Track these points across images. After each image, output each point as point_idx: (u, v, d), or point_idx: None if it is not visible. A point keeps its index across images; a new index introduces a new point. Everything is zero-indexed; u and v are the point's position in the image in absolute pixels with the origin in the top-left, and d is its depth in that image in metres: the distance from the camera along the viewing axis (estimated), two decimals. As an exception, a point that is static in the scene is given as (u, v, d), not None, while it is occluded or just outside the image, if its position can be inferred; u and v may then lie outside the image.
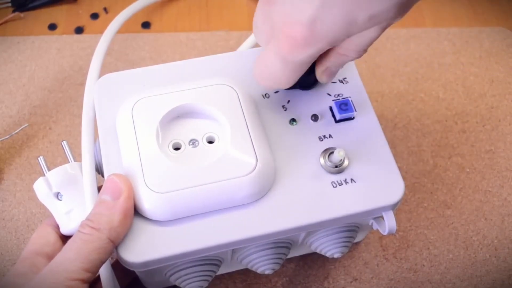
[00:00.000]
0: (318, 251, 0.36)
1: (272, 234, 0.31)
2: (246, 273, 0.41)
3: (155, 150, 0.31)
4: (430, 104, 0.50)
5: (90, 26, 0.55)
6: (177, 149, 0.33)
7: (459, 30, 0.55)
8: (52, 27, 0.54)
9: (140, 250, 0.30)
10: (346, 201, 0.32)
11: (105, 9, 0.56)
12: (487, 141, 0.48)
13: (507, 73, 0.52)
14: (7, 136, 0.46)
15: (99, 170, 0.35)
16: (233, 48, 0.52)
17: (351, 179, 0.32)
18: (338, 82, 0.36)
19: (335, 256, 0.35)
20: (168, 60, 0.52)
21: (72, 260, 0.28)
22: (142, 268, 0.30)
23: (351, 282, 0.41)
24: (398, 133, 0.48)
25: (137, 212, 0.31)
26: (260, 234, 0.31)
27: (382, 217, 0.33)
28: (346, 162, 0.33)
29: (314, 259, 0.42)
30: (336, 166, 0.32)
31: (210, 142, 0.33)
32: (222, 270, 0.38)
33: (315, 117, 0.34)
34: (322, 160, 0.33)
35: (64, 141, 0.37)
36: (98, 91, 0.35)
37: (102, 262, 0.29)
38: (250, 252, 0.33)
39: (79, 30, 0.54)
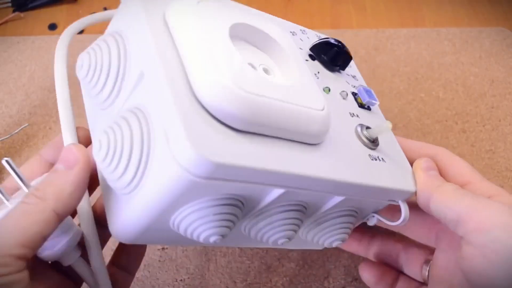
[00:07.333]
0: (318, 240, 0.34)
1: (325, 180, 0.29)
2: (246, 273, 0.41)
3: (236, 56, 0.27)
4: (430, 104, 0.50)
5: (90, 26, 0.54)
6: None
7: (459, 30, 0.55)
8: (52, 27, 0.54)
9: (214, 150, 0.24)
10: (381, 175, 0.32)
11: (105, 9, 0.56)
12: (487, 141, 0.48)
13: (507, 73, 0.52)
14: (7, 136, 0.46)
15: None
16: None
17: (382, 158, 0.33)
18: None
19: (334, 245, 0.33)
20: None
21: (8, 232, 0.25)
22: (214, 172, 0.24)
23: (351, 282, 0.41)
24: (398, 133, 0.48)
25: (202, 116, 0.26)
26: (315, 176, 0.28)
27: (387, 209, 0.34)
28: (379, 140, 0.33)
29: (314, 259, 0.42)
30: (373, 141, 0.33)
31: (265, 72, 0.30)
32: (227, 242, 0.35)
33: (343, 94, 0.35)
34: (359, 133, 0.33)
35: (6, 159, 0.27)
36: None
37: (44, 237, 0.25)
38: (267, 214, 0.30)
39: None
